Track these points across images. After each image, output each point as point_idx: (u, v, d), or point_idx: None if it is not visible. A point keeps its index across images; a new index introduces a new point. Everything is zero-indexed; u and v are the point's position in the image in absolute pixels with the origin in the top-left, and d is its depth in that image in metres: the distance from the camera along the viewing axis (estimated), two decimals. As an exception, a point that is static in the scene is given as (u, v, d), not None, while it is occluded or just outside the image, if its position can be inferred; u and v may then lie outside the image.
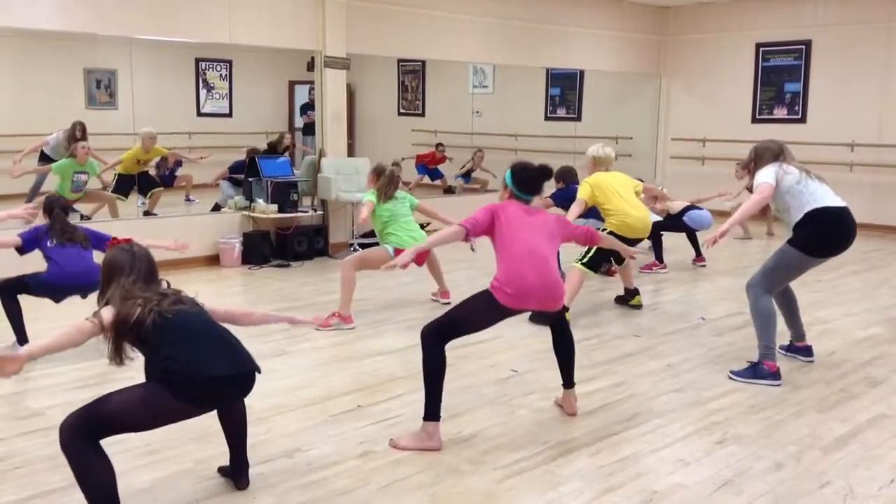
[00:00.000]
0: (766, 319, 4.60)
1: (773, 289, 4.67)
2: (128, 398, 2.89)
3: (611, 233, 5.95)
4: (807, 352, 5.00)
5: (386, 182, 6.15)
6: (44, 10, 6.83)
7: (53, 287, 5.10)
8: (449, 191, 11.57)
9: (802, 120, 11.04)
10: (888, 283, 7.43)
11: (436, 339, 3.69)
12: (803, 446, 3.71)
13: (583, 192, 6.14)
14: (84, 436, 2.82)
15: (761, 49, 11.42)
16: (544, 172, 3.95)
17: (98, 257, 5.14)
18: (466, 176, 11.81)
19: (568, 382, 4.07)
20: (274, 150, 9.50)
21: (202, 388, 2.91)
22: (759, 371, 4.57)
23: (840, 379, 4.66)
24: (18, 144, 10.22)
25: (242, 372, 3.07)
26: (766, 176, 4.55)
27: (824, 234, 4.53)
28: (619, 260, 6.30)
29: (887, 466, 3.53)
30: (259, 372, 3.12)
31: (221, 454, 3.54)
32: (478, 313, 3.77)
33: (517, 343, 5.32)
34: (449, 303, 6.25)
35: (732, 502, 3.19)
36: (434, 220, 6.72)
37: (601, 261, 6.16)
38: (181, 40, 8.14)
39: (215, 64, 12.26)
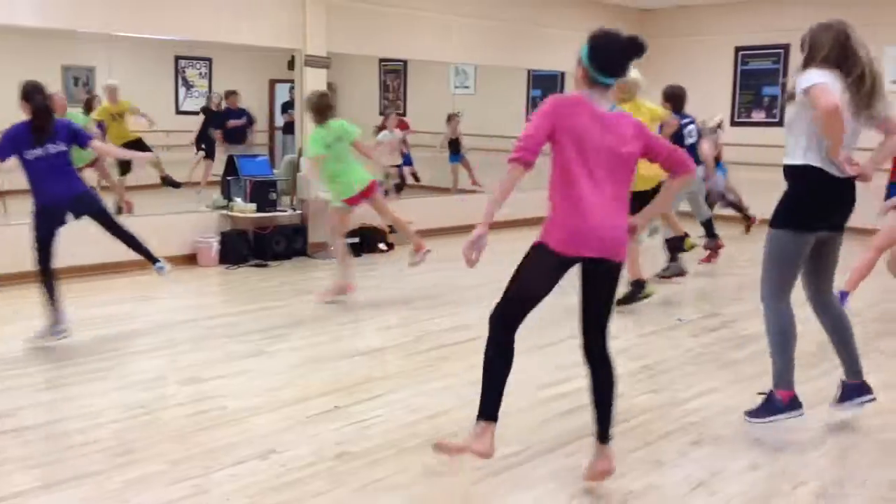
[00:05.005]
0: (776, 336, 3.76)
1: (781, 289, 3.72)
2: None
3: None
4: (859, 390, 3.91)
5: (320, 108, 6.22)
6: (21, 6, 6.76)
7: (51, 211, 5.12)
8: (399, 187, 11.26)
9: (780, 123, 11.07)
10: (863, 286, 7.47)
11: (501, 323, 3.10)
12: (778, 446, 3.73)
13: None
14: None
15: (740, 52, 11.50)
16: (635, 46, 3.01)
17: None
18: (455, 153, 11.73)
19: (602, 434, 3.23)
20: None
21: None
22: (772, 404, 3.80)
23: (816, 380, 4.69)
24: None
25: None
26: (819, 76, 3.44)
27: (811, 201, 3.62)
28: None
29: (860, 467, 3.55)
30: None
31: (196, 455, 3.53)
32: (531, 272, 3.08)
33: (496, 344, 5.31)
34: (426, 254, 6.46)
35: (707, 503, 3.20)
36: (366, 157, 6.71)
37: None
38: (160, 37, 8.07)
39: (195, 62, 12.18)
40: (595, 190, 2.99)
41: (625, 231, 3.09)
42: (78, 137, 5.26)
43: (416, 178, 11.83)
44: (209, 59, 12.25)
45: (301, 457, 3.53)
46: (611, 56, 3.02)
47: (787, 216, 3.64)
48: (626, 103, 5.90)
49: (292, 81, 9.03)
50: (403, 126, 11.61)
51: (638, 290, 6.17)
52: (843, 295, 5.63)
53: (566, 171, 3.00)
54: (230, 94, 10.65)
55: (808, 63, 3.58)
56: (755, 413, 3.87)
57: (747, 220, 8.85)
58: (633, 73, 5.95)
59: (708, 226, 8.12)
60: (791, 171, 3.65)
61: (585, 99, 3.04)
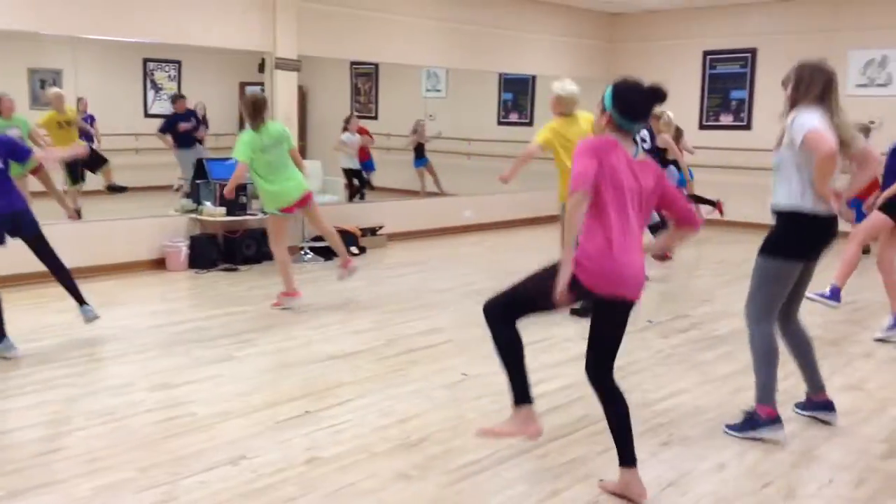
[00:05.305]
0: (761, 355, 3.88)
1: (767, 313, 3.87)
2: None
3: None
4: (827, 407, 4.11)
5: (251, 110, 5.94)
6: (-16, 8, 6.66)
7: None
8: (361, 193, 11.15)
9: (748, 127, 11.27)
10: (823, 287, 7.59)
11: (500, 314, 3.23)
12: (746, 447, 3.78)
13: (539, 136, 5.80)
14: None
15: (708, 57, 11.64)
16: (656, 93, 3.14)
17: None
18: (420, 157, 11.70)
19: (627, 458, 3.23)
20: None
21: None
22: (754, 420, 3.88)
23: (782, 381, 4.74)
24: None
25: None
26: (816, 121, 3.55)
27: (802, 236, 3.78)
28: None
29: (826, 466, 3.61)
30: None
31: (166, 461, 3.49)
32: (546, 291, 3.08)
33: (468, 346, 5.32)
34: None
35: (677, 503, 3.23)
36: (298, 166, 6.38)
37: None
38: (128, 40, 7.99)
39: (164, 64, 12.06)
40: (625, 231, 3.08)
41: (644, 272, 3.19)
42: (16, 153, 5.07)
43: (369, 184, 11.67)
44: (178, 62, 12.14)
45: (271, 462, 3.51)
46: (633, 102, 3.14)
47: (779, 247, 3.78)
48: (565, 117, 5.86)
49: (262, 84, 8.98)
50: (364, 132, 11.55)
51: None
52: (836, 290, 5.88)
53: (601, 210, 3.06)
54: (178, 99, 10.53)
55: (796, 100, 3.71)
56: (736, 427, 3.94)
57: (714, 205, 9.02)
58: (571, 86, 5.90)
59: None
60: (783, 214, 3.78)
61: (617, 142, 3.14)
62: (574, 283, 3.05)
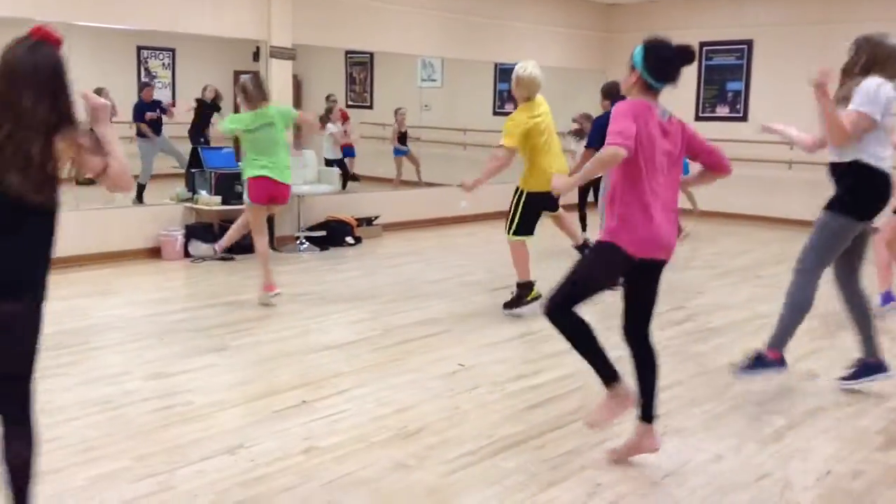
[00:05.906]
0: (795, 304, 4.18)
1: (821, 266, 4.16)
2: None
3: (528, 195, 5.74)
4: (880, 368, 4.31)
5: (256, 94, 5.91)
6: (-24, -6, 6.60)
7: None
8: (353, 178, 11.24)
9: (744, 118, 11.26)
10: (824, 279, 7.60)
11: (562, 309, 3.29)
12: (742, 438, 3.78)
13: (510, 138, 5.56)
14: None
15: (705, 48, 11.61)
16: (686, 53, 3.16)
17: None
18: (402, 146, 11.70)
19: (648, 414, 3.41)
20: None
21: None
22: (762, 361, 4.22)
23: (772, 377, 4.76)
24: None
25: None
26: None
27: (872, 194, 4.05)
28: (554, 207, 5.98)
29: (823, 458, 3.61)
30: None
31: (162, 450, 3.49)
32: (603, 268, 3.31)
33: (465, 337, 5.32)
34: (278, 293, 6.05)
35: (673, 494, 3.24)
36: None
37: (533, 221, 5.75)
38: (122, 27, 7.94)
39: (158, 52, 12.01)
40: (658, 195, 3.18)
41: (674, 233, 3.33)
42: None
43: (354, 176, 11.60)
44: (172, 50, 12.09)
45: (269, 452, 3.50)
46: (665, 62, 3.17)
47: (848, 205, 4.02)
48: (527, 102, 5.74)
49: (257, 73, 8.93)
50: (344, 116, 11.53)
51: (526, 292, 5.80)
52: (888, 295, 6.05)
53: (636, 179, 3.14)
54: (144, 87, 10.61)
55: (869, 70, 4.06)
56: (744, 369, 4.27)
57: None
58: (535, 69, 5.74)
59: None
60: (842, 168, 4.03)
61: (651, 106, 3.18)
62: (618, 254, 3.20)
